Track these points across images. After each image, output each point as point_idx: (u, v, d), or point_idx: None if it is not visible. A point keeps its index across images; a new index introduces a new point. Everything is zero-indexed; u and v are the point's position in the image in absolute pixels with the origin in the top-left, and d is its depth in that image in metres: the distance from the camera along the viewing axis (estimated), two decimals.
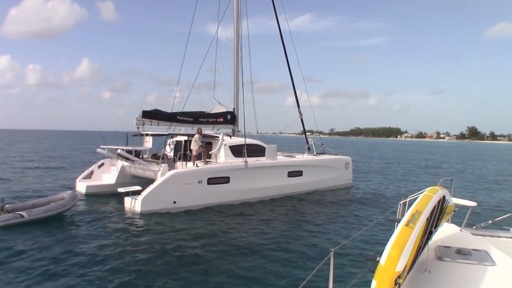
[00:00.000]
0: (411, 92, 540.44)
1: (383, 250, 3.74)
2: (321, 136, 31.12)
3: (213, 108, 22.18)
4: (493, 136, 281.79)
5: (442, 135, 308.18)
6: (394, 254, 3.62)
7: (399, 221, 4.57)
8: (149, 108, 18.18)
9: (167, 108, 19.68)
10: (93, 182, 18.96)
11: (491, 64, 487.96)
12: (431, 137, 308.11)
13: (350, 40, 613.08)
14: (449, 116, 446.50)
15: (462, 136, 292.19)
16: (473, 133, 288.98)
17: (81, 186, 18.51)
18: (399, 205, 5.82)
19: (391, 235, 4.02)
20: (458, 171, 38.81)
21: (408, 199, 5.63)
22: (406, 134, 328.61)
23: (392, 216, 6.32)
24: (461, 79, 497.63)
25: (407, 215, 4.24)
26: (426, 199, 4.58)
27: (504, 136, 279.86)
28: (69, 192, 14.70)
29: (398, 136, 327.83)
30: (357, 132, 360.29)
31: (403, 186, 25.28)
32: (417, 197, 4.79)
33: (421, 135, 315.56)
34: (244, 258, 10.05)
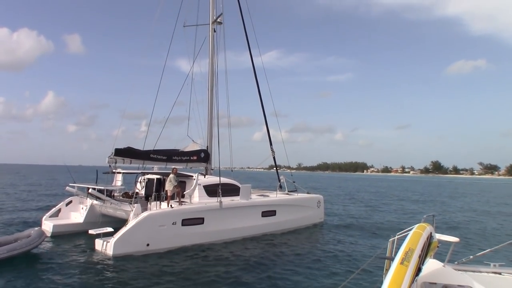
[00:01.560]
0: (375, 127, 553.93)
1: None
2: (291, 172, 31.23)
3: (187, 146, 22.05)
4: (456, 170, 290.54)
5: (407, 170, 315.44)
6: None
7: (391, 258, 4.59)
8: (118, 143, 17.95)
9: (137, 143, 19.43)
10: (60, 220, 18.28)
11: (451, 100, 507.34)
12: (396, 171, 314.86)
13: (316, 76, 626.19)
14: (413, 150, 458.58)
15: (426, 171, 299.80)
16: (437, 168, 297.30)
17: (48, 225, 17.79)
18: (388, 243, 5.85)
19: (382, 273, 3.99)
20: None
21: (397, 236, 5.68)
22: (372, 169, 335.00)
23: (382, 254, 6.34)
24: (424, 115, 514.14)
25: (401, 253, 4.29)
26: (416, 236, 4.67)
27: (466, 170, 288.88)
28: (36, 229, 14.12)
29: (364, 171, 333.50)
30: (324, 167, 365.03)
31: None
32: (407, 235, 4.84)
33: (386, 170, 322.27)
34: None
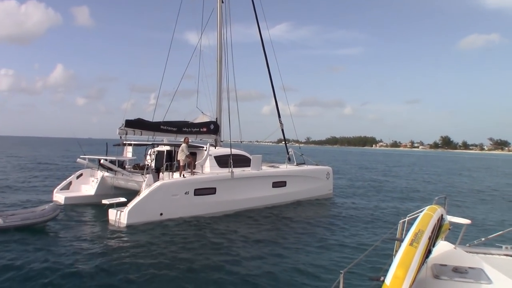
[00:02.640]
0: (385, 102, 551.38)
1: (386, 270, 3.73)
2: (300, 145, 31.19)
3: (196, 118, 21.99)
4: (465, 146, 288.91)
5: (416, 144, 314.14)
6: (400, 274, 3.65)
7: (401, 240, 4.59)
8: (127, 116, 17.95)
9: (146, 116, 19.41)
10: (71, 193, 18.38)
11: (463, 75, 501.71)
12: (405, 146, 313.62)
13: (327, 50, 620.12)
14: (422, 125, 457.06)
15: (435, 145, 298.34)
16: (446, 143, 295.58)
17: (59, 198, 17.94)
18: (399, 224, 5.88)
19: (392, 254, 3.97)
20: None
21: (407, 218, 5.70)
22: (381, 143, 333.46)
23: (392, 235, 6.38)
24: (434, 89, 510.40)
25: (410, 234, 4.29)
26: (427, 218, 4.66)
27: (476, 146, 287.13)
28: (51, 204, 14.26)
29: (373, 145, 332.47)
30: (332, 141, 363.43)
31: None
32: (417, 216, 4.84)
33: (395, 144, 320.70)
34: (239, 273, 9.77)
